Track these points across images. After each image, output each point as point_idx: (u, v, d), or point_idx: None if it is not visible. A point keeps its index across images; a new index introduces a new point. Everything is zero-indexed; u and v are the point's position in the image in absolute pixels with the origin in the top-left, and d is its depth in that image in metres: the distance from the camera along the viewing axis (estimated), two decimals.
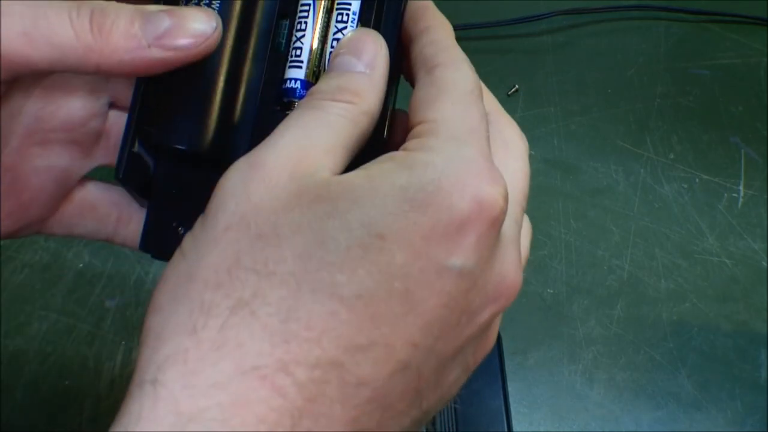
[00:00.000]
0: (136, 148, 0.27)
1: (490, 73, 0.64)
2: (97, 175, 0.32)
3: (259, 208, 0.22)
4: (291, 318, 0.20)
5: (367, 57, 0.25)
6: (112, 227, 0.31)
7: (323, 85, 0.25)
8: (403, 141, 0.25)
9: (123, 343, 0.48)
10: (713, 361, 0.48)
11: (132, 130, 0.27)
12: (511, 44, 0.67)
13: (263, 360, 0.20)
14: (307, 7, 0.27)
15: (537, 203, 0.55)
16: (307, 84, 0.27)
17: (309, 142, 0.23)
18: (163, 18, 0.24)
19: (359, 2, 0.27)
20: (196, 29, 0.25)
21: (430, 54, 0.26)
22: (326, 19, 0.27)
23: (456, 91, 0.25)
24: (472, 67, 0.26)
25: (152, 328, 0.21)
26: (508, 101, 0.63)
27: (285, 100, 0.27)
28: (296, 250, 0.21)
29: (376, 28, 0.27)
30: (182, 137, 0.26)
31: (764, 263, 0.52)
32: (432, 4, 0.28)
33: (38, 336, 0.49)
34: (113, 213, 0.31)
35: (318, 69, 0.27)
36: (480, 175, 0.22)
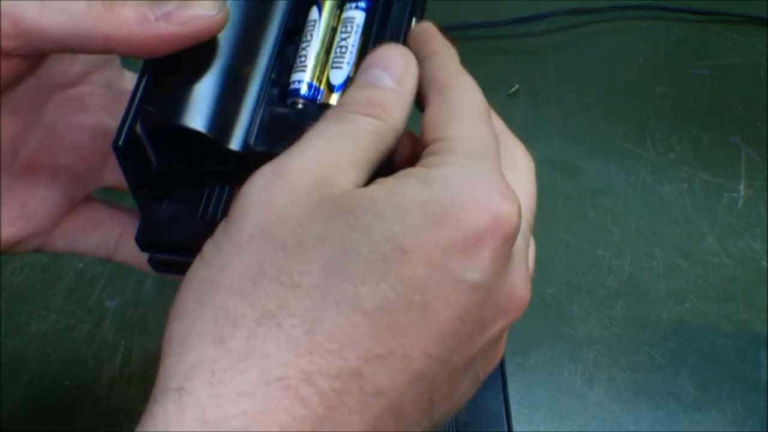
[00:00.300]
0: (138, 129, 0.27)
1: (490, 73, 0.64)
2: (103, 197, 0.33)
3: (282, 218, 0.22)
4: (315, 329, 0.21)
5: (396, 72, 0.26)
6: (113, 243, 0.31)
7: (352, 96, 0.25)
8: (407, 159, 0.26)
9: (123, 343, 0.48)
10: (713, 361, 0.48)
11: (134, 106, 0.27)
12: (511, 44, 0.67)
13: (288, 370, 0.20)
14: (313, 22, 0.28)
15: (537, 203, 0.55)
16: (311, 85, 0.27)
17: (335, 154, 0.24)
18: (171, 1, 0.25)
19: (363, 15, 0.28)
20: (203, 9, 0.25)
21: (440, 76, 0.27)
22: (331, 34, 0.28)
23: (468, 111, 0.26)
24: (480, 89, 0.27)
25: (175, 335, 0.22)
26: (508, 101, 0.63)
27: (289, 100, 0.28)
28: (320, 261, 0.21)
29: (379, 39, 0.28)
30: (182, 116, 0.26)
31: (764, 263, 0.52)
32: (436, 30, 0.29)
33: (38, 336, 0.49)
34: (116, 229, 0.32)
35: (322, 74, 0.28)
36: (496, 192, 0.23)
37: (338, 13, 0.29)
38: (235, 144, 0.26)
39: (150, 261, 0.30)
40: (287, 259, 0.22)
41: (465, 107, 0.26)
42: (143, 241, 0.29)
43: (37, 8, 0.24)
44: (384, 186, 0.23)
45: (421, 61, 0.28)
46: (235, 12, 0.27)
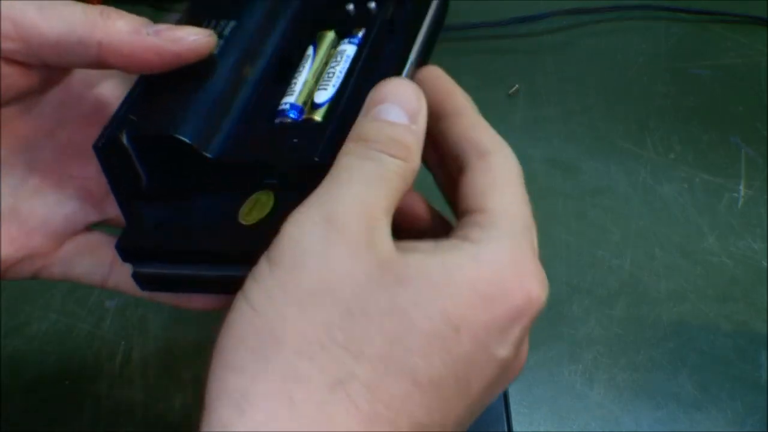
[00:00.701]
0: (125, 140, 0.28)
1: (490, 73, 0.64)
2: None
3: (344, 279, 0.23)
4: (376, 399, 0.22)
5: (410, 109, 0.26)
6: (107, 268, 0.32)
7: (373, 132, 0.26)
8: (423, 224, 0.28)
9: (123, 343, 0.48)
10: (713, 361, 0.48)
11: (120, 113, 0.28)
12: (511, 44, 0.67)
13: None
14: (308, 56, 0.30)
15: (537, 203, 0.55)
16: (296, 106, 0.28)
17: (373, 199, 0.24)
18: (162, 24, 0.27)
19: (355, 48, 0.30)
20: (191, 33, 0.27)
21: (477, 138, 0.27)
22: (323, 68, 0.30)
23: (509, 181, 0.27)
24: (514, 154, 0.28)
25: (234, 387, 0.22)
26: (508, 101, 0.63)
27: (276, 120, 0.29)
28: (384, 333, 0.23)
29: (369, 66, 0.29)
30: (165, 125, 0.27)
31: (764, 263, 0.52)
32: (449, 78, 0.29)
33: (38, 336, 0.49)
34: (110, 253, 0.32)
35: (309, 98, 0.29)
36: (532, 273, 0.25)
37: (332, 52, 0.30)
38: (216, 153, 0.27)
39: (134, 276, 0.29)
40: (353, 325, 0.22)
41: (506, 177, 0.27)
42: (124, 249, 0.28)
43: (37, 12, 0.26)
44: (435, 258, 0.24)
45: (443, 116, 0.28)
46: (229, 36, 0.29)
